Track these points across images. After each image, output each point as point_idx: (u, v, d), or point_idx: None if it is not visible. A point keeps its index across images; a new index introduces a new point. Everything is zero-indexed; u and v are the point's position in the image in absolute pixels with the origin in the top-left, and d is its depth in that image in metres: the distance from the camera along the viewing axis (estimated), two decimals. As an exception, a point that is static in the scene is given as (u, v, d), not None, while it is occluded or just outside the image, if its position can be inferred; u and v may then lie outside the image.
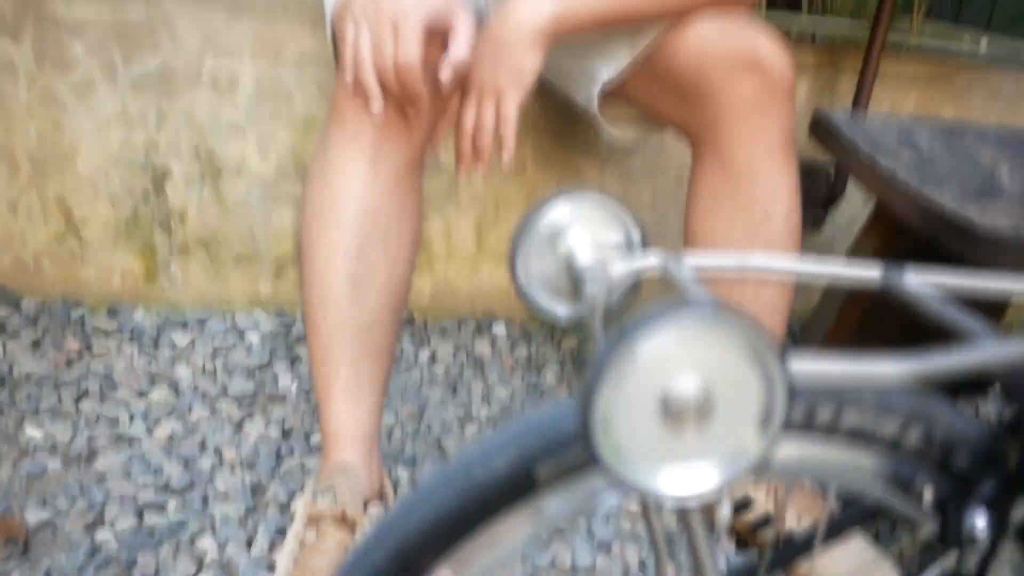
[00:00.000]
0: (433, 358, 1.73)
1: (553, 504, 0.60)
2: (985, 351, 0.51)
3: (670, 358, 0.43)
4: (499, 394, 1.65)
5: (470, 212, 1.73)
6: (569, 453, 0.58)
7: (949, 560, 0.66)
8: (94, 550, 1.25)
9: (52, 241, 1.66)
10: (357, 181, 1.14)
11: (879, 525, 1.42)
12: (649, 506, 0.66)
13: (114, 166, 1.62)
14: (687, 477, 0.47)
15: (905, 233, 1.29)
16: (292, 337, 1.73)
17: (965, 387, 0.64)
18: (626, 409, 0.45)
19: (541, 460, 0.58)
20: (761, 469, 0.59)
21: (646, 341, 0.42)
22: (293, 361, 1.67)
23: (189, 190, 1.66)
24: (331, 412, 1.20)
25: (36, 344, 1.61)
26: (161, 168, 1.64)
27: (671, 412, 0.45)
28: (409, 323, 1.81)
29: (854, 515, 0.75)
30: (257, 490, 1.39)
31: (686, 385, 0.44)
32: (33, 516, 1.28)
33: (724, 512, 0.60)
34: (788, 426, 0.59)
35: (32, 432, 1.44)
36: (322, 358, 1.19)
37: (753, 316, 0.42)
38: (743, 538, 1.37)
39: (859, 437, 0.60)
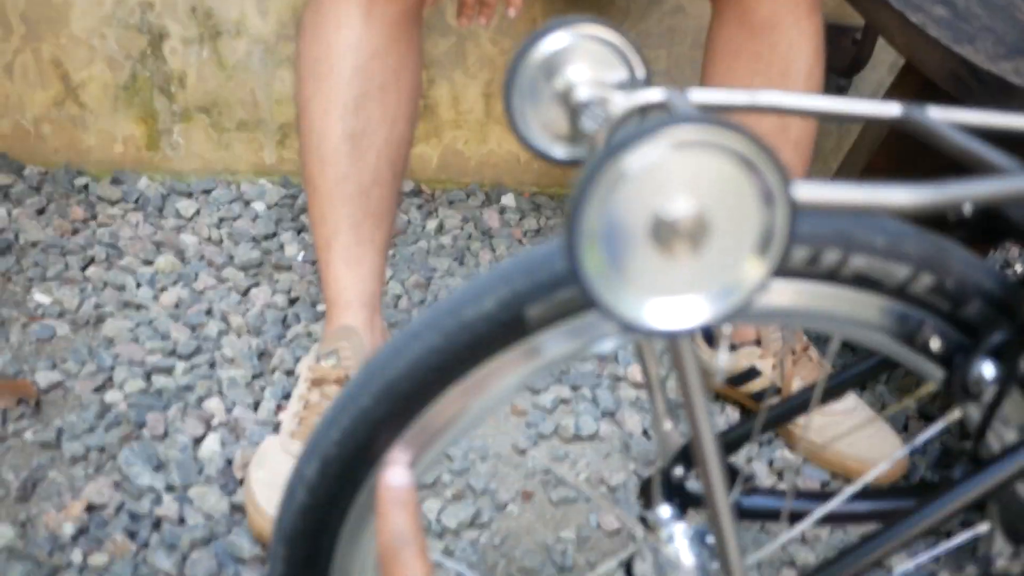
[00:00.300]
0: (440, 228, 1.71)
1: (546, 347, 0.59)
2: (1006, 182, 0.48)
3: (661, 174, 0.40)
4: (507, 265, 1.63)
5: (478, 77, 1.68)
6: (559, 294, 0.56)
7: (952, 416, 0.64)
8: (104, 410, 1.26)
9: (51, 106, 1.63)
10: (352, 33, 1.10)
11: (879, 385, 1.42)
12: (644, 347, 0.64)
13: (109, 27, 1.57)
14: (678, 309, 0.44)
15: (934, 95, 1.24)
16: (298, 207, 1.70)
17: (984, 235, 0.61)
18: (614, 231, 0.42)
19: (531, 300, 0.56)
20: (754, 304, 0.57)
21: (636, 154, 0.39)
22: (299, 231, 1.65)
23: (188, 52, 1.60)
24: (332, 275, 1.18)
25: (41, 212, 1.60)
26: (158, 29, 1.58)
27: (662, 236, 0.42)
28: (416, 193, 1.78)
29: (853, 374, 0.73)
30: (263, 355, 1.40)
31: (679, 206, 0.41)
32: (43, 378, 1.29)
33: (722, 358, 0.58)
34: (793, 271, 0.57)
35: (40, 298, 1.44)
36: (321, 218, 1.17)
37: (753, 130, 0.39)
38: (748, 409, 1.37)
39: (867, 283, 0.57)
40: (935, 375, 0.61)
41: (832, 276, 0.57)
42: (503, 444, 1.31)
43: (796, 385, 1.28)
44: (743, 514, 0.74)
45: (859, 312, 0.58)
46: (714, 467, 0.56)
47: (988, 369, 0.55)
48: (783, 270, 0.56)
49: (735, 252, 0.43)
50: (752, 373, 1.30)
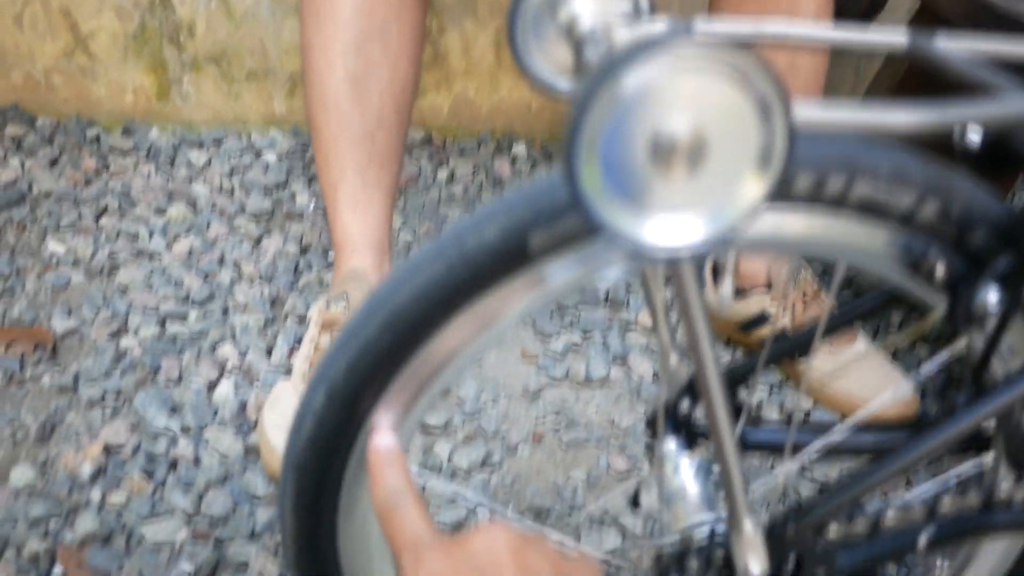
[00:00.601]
0: (452, 177, 1.71)
1: (549, 276, 0.59)
2: (1006, 104, 0.48)
3: (659, 91, 0.40)
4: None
5: (489, 25, 1.66)
6: (562, 222, 0.56)
7: (958, 347, 0.64)
8: (119, 356, 1.28)
9: (61, 57, 1.63)
10: None
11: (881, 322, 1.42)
12: (649, 278, 0.64)
13: (118, -25, 1.57)
14: (677, 229, 0.45)
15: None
16: (309, 156, 1.71)
17: (992, 166, 0.61)
18: (611, 149, 0.42)
19: (534, 229, 0.56)
20: (758, 230, 0.57)
21: (635, 71, 0.39)
22: (310, 180, 1.65)
23: (196, 2, 1.60)
24: (339, 219, 1.19)
25: (54, 162, 1.61)
26: (167, -23, 1.58)
27: (660, 154, 0.42)
28: (427, 142, 1.78)
29: (858, 309, 0.73)
30: (276, 302, 1.41)
31: (677, 124, 0.41)
32: (59, 325, 1.31)
33: (726, 289, 0.58)
34: (798, 198, 0.57)
35: (55, 247, 1.45)
36: (326, 163, 1.17)
37: (751, 46, 0.39)
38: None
39: (871, 210, 0.57)
40: (940, 305, 0.61)
41: (837, 203, 0.57)
42: (514, 388, 1.32)
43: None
44: (748, 447, 0.75)
45: (864, 240, 0.58)
46: (717, 395, 0.57)
47: (992, 295, 0.55)
48: (788, 197, 0.57)
49: (734, 170, 0.43)
50: (763, 318, 1.30)
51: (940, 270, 0.57)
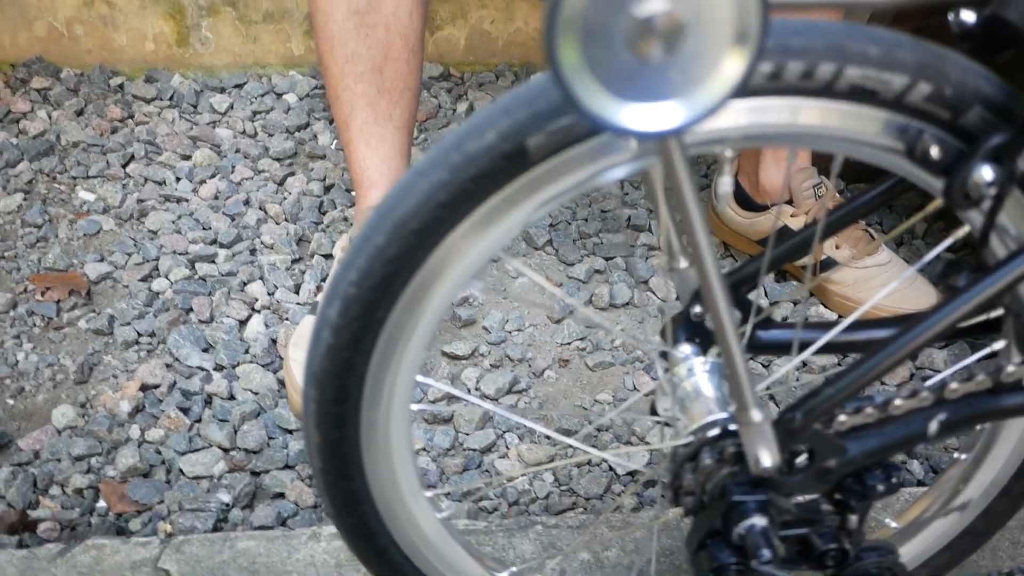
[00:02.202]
0: (471, 111, 1.71)
1: (550, 179, 0.60)
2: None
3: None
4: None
5: (501, -46, 1.65)
6: (559, 122, 0.57)
7: (960, 232, 0.64)
8: (152, 298, 1.32)
9: (81, 6, 1.64)
10: None
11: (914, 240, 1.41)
12: (653, 182, 0.65)
13: (131, -77, 1.57)
14: (660, 110, 0.45)
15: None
16: (329, 97, 1.71)
17: (989, 46, 0.60)
18: (590, 32, 0.43)
19: (532, 130, 0.57)
20: (753, 121, 0.57)
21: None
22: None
23: (209, -55, 1.60)
24: (355, 155, 1.20)
25: (80, 113, 1.63)
26: (178, -78, 1.58)
27: (639, 35, 0.43)
28: (446, 77, 1.78)
29: (860, 204, 0.73)
30: (302, 241, 1.43)
31: (653, 4, 0.42)
32: (93, 270, 1.35)
33: (725, 182, 0.59)
34: (789, 88, 0.57)
35: (85, 195, 1.49)
36: (336, 98, 1.17)
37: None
38: (787, 273, 1.37)
39: (864, 95, 0.57)
40: (939, 190, 0.61)
41: (829, 90, 0.57)
42: (538, 316, 1.34)
43: (828, 243, 1.28)
44: (759, 348, 0.76)
45: (858, 127, 0.58)
46: (713, 277, 0.58)
47: (987, 172, 0.55)
48: (780, 87, 0.57)
49: (712, 49, 0.43)
50: (782, 233, 1.30)
51: (935, 152, 0.57)
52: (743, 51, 0.43)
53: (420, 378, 0.70)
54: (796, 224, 1.29)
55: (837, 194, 1.32)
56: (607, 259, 1.42)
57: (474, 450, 1.15)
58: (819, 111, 0.58)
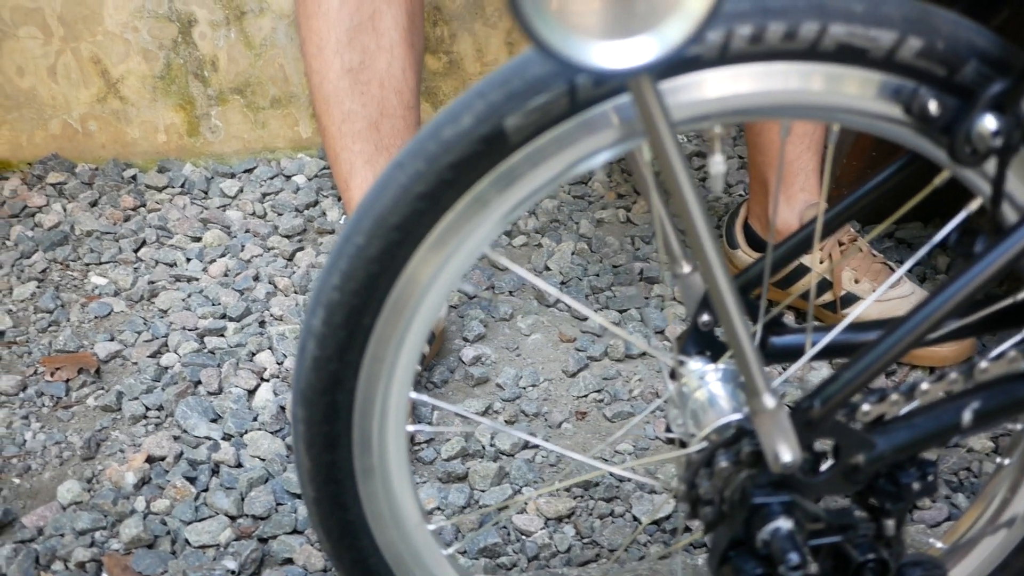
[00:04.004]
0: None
1: (531, 165, 0.58)
2: None
3: None
4: (545, 204, 1.63)
5: (499, 26, 1.68)
6: (535, 100, 0.55)
7: (973, 205, 0.61)
8: (160, 372, 1.30)
9: (95, 103, 1.68)
10: None
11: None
12: (637, 156, 0.62)
13: (140, 19, 1.62)
14: (631, 45, 0.43)
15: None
16: (338, 176, 1.73)
17: (986, 4, 0.58)
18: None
19: (508, 111, 0.55)
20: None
21: None
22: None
23: (216, 35, 1.64)
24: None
25: (94, 204, 1.65)
26: (186, 15, 1.63)
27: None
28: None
29: (855, 199, 0.70)
30: (311, 311, 1.41)
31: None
32: (103, 349, 1.33)
33: (717, 161, 0.56)
34: (773, 52, 0.55)
35: (97, 280, 1.49)
36: (336, 158, 1.18)
37: None
38: (801, 311, 1.33)
39: (851, 55, 0.55)
40: (943, 159, 0.58)
41: (814, 51, 0.55)
42: (553, 370, 1.30)
43: (847, 278, 1.24)
44: (770, 354, 0.72)
45: (851, 91, 0.56)
46: (714, 259, 0.55)
47: (990, 121, 0.52)
48: (763, 52, 0.55)
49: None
50: (800, 271, 1.27)
51: (934, 107, 0.54)
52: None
53: (414, 395, 0.66)
54: (811, 261, 1.26)
55: (852, 229, 1.29)
56: (621, 311, 1.38)
57: (490, 506, 1.10)
58: (807, 75, 0.55)
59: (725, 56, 0.54)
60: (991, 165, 0.56)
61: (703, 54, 0.54)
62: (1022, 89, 0.52)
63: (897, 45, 0.54)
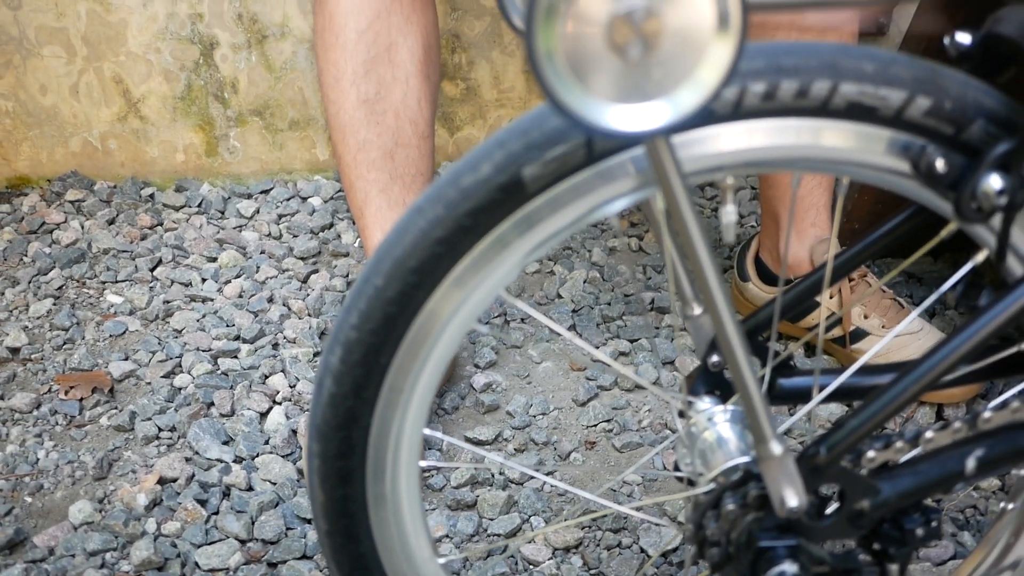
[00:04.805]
0: (492, 206, 1.72)
1: (548, 212, 0.59)
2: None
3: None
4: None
5: (516, 53, 1.70)
6: (553, 151, 0.57)
7: (979, 257, 0.62)
8: (174, 393, 1.31)
9: (115, 122, 1.71)
10: (351, 1, 1.13)
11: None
12: (652, 204, 0.64)
13: (163, 40, 1.65)
14: (647, 109, 0.45)
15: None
16: (353, 199, 1.74)
17: (990, 65, 0.59)
18: (571, 33, 0.43)
19: (527, 161, 0.57)
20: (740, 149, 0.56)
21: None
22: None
23: (238, 58, 1.67)
24: (370, 243, 1.21)
25: (111, 222, 1.67)
26: (208, 38, 1.65)
27: (620, 36, 0.43)
28: (467, 176, 1.81)
29: (865, 245, 0.72)
30: (324, 334, 1.43)
31: (629, 2, 0.42)
32: (117, 368, 1.35)
33: (728, 212, 0.57)
34: (786, 108, 0.56)
35: (113, 298, 1.51)
36: (351, 187, 1.19)
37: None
38: (811, 344, 1.34)
39: (862, 112, 0.56)
40: (950, 212, 0.59)
41: (825, 108, 0.56)
42: (563, 399, 1.31)
43: (856, 313, 1.25)
44: (779, 396, 0.73)
45: (861, 147, 0.57)
46: (721, 303, 0.56)
47: (996, 180, 0.54)
48: (776, 108, 0.56)
49: (694, 38, 0.43)
50: (810, 305, 1.28)
51: (941, 165, 0.55)
52: (727, 36, 0.42)
53: (427, 431, 0.68)
54: (823, 297, 1.27)
55: (868, 273, 1.30)
56: (632, 341, 1.40)
57: (499, 535, 1.10)
58: (818, 131, 0.57)
59: (739, 111, 0.56)
60: (997, 219, 0.57)
61: (717, 109, 0.55)
62: (1027, 150, 0.53)
63: (906, 104, 0.56)
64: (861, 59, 0.55)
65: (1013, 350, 0.67)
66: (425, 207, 0.59)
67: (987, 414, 0.61)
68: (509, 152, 0.57)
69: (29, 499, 1.16)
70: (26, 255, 1.58)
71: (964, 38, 0.60)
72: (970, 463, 0.63)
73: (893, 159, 0.58)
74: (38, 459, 1.21)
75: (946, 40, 0.60)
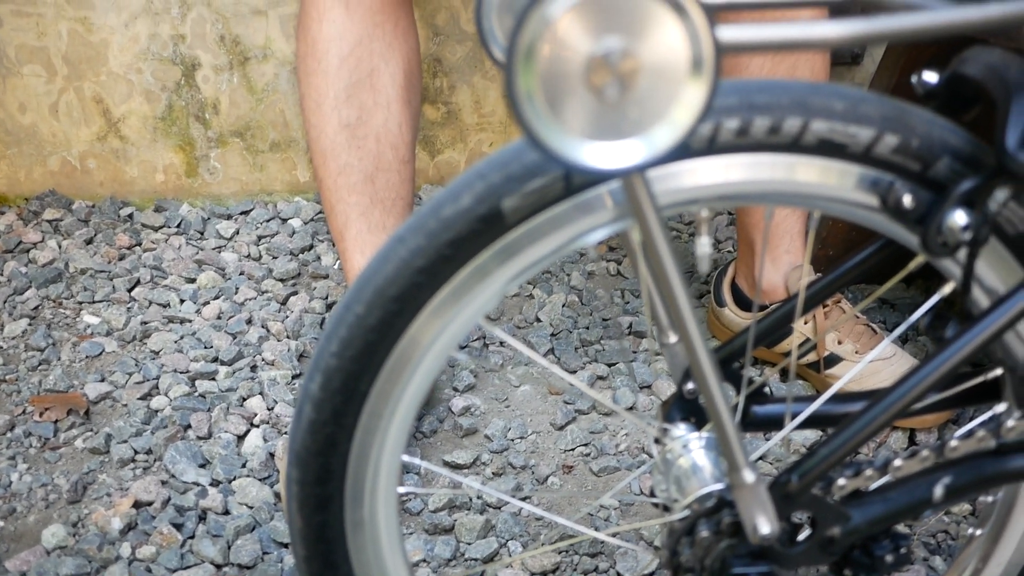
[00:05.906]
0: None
1: (527, 243, 0.60)
2: (929, 15, 0.49)
3: (586, 13, 0.42)
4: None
5: (497, 79, 1.72)
6: (533, 183, 0.58)
7: (945, 290, 0.64)
8: (150, 416, 1.31)
9: (95, 141, 1.71)
10: (333, 26, 1.14)
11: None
12: (630, 240, 0.65)
13: (144, 61, 1.65)
14: (624, 147, 0.46)
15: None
16: (333, 220, 1.75)
17: (955, 104, 0.61)
18: (550, 73, 0.44)
19: (506, 192, 0.58)
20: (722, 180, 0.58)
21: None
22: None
23: (219, 80, 1.68)
24: (349, 266, 1.22)
25: (89, 241, 1.67)
26: (190, 59, 1.66)
27: (596, 75, 0.44)
28: (447, 199, 1.82)
29: (837, 276, 0.73)
30: (303, 356, 1.43)
31: (608, 43, 0.43)
32: (93, 390, 1.34)
33: (703, 243, 0.59)
34: (757, 144, 0.58)
35: (89, 319, 1.50)
36: (331, 210, 1.20)
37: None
38: (784, 368, 1.35)
39: (832, 149, 0.58)
40: (917, 245, 0.61)
41: (797, 145, 0.57)
42: (541, 423, 1.32)
43: (830, 339, 1.27)
44: (753, 423, 0.74)
45: (831, 182, 0.59)
46: (693, 329, 0.57)
47: (960, 216, 0.55)
48: (749, 144, 0.58)
49: (669, 80, 0.44)
50: (785, 332, 1.29)
51: (908, 201, 0.57)
52: (701, 77, 0.44)
53: (406, 458, 0.68)
54: (797, 324, 1.29)
55: (842, 299, 1.32)
56: (610, 365, 1.41)
57: (476, 560, 1.11)
58: (789, 167, 0.58)
59: (713, 147, 0.57)
60: (962, 253, 0.59)
61: (692, 144, 0.57)
62: (991, 187, 0.55)
63: (874, 141, 0.57)
64: (831, 97, 0.57)
65: (980, 379, 0.68)
66: (406, 236, 0.60)
67: (954, 443, 0.62)
68: (489, 184, 0.58)
69: (1, 523, 1.15)
70: (2, 274, 1.57)
71: (931, 77, 0.61)
72: (938, 490, 0.64)
73: (862, 194, 0.59)
74: (11, 482, 1.20)
75: (913, 79, 0.62)
